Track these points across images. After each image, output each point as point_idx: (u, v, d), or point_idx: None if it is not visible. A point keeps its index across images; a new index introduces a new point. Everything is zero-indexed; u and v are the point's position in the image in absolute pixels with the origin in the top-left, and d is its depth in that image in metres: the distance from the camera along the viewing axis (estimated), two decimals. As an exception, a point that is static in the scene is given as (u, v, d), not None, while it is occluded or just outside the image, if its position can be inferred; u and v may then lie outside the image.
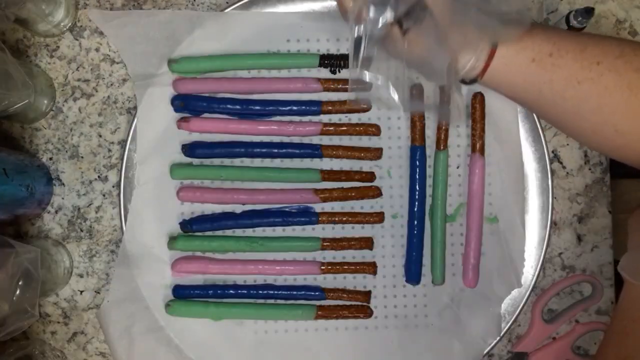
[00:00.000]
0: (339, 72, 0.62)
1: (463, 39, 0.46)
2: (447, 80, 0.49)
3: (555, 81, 0.46)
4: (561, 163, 0.64)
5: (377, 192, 0.62)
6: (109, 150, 0.63)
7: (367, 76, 0.48)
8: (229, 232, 0.62)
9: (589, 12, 0.57)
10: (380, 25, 0.45)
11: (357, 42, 0.46)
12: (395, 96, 0.50)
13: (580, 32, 0.48)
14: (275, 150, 0.61)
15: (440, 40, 0.46)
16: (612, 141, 0.47)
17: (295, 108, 0.61)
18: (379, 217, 0.62)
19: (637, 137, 0.46)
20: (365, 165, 0.62)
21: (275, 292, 0.62)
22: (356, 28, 0.46)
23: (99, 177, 0.63)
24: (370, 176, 0.62)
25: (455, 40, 0.46)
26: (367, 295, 0.62)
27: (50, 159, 0.63)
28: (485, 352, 0.62)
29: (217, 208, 0.62)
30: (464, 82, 0.52)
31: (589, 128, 0.48)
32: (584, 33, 0.48)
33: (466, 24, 0.46)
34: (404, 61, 0.49)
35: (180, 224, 0.62)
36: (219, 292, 0.61)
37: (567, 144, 0.64)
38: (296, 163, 0.62)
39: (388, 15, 0.45)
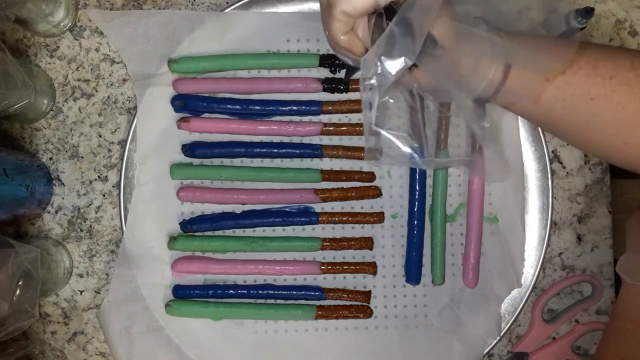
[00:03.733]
0: (339, 72, 0.62)
1: (474, 62, 0.45)
2: (467, 115, 0.47)
3: (567, 99, 0.46)
4: (561, 163, 0.64)
5: (377, 192, 0.62)
6: (109, 150, 0.63)
7: (383, 132, 0.46)
8: (229, 232, 0.62)
9: (589, 12, 0.56)
10: (393, 75, 0.42)
11: (367, 91, 0.44)
12: (414, 150, 0.48)
13: (588, 43, 0.47)
14: (275, 150, 0.61)
15: (450, 72, 0.45)
16: (620, 152, 0.47)
17: (295, 108, 0.61)
18: (379, 217, 0.62)
19: None
20: (365, 165, 0.62)
21: (275, 292, 0.62)
22: (367, 82, 0.43)
23: (99, 177, 0.63)
24: (370, 176, 0.62)
25: (466, 65, 0.45)
26: (367, 295, 0.62)
27: (50, 159, 0.63)
28: (485, 352, 0.62)
29: (217, 208, 0.62)
30: (477, 100, 0.52)
31: (597, 140, 0.48)
32: (592, 44, 0.47)
33: (477, 46, 0.45)
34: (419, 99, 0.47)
35: (180, 224, 0.62)
36: (219, 292, 0.61)
37: (567, 144, 0.64)
38: (296, 163, 0.62)
39: (400, 64, 0.42)
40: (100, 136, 0.63)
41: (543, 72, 0.45)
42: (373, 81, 0.43)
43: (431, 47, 0.44)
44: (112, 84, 0.63)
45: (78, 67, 0.63)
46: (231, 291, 0.61)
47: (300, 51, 0.62)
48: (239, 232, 0.62)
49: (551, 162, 0.63)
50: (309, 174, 0.62)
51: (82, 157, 0.63)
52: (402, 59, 0.42)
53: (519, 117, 0.61)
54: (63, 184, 0.63)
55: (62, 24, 0.62)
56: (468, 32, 0.44)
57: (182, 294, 0.61)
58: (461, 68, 0.45)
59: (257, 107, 0.61)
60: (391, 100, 0.47)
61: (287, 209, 0.62)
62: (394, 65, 0.42)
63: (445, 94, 0.48)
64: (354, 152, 0.61)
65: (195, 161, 0.62)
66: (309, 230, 0.63)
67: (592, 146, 0.50)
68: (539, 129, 0.62)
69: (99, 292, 0.63)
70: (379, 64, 0.42)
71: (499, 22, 0.47)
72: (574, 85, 0.45)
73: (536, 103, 0.47)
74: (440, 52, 0.44)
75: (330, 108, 0.61)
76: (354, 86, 0.61)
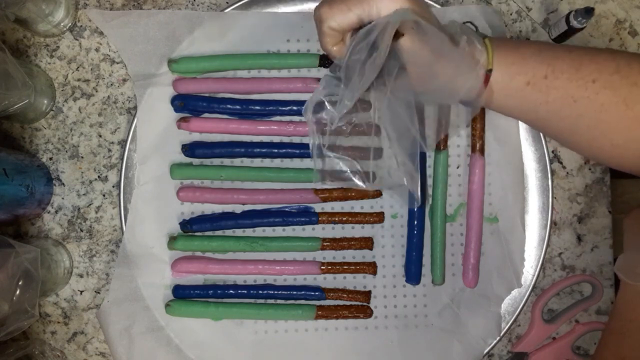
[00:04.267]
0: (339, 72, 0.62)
1: (456, 69, 0.46)
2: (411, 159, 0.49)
3: (550, 102, 0.46)
4: (561, 163, 0.64)
5: (377, 192, 0.62)
6: (109, 150, 0.63)
7: (332, 156, 0.49)
8: (229, 232, 0.62)
9: (589, 12, 0.57)
10: (339, 115, 0.46)
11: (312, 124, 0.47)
12: (358, 177, 0.51)
13: (574, 47, 0.48)
14: (275, 150, 0.61)
15: (428, 83, 0.46)
16: (608, 152, 0.48)
17: (295, 108, 0.61)
18: (379, 217, 0.62)
19: (633, 147, 0.46)
20: (365, 165, 0.62)
21: (275, 292, 0.62)
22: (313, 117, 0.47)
23: (99, 177, 0.63)
24: (370, 176, 0.62)
25: (446, 74, 0.46)
26: (367, 295, 0.62)
27: (50, 159, 0.63)
28: (485, 352, 0.62)
29: (217, 208, 0.62)
30: (461, 103, 0.52)
31: (585, 142, 0.48)
32: (578, 48, 0.48)
33: (457, 55, 0.45)
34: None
35: (180, 224, 0.62)
36: (219, 292, 0.61)
37: (567, 144, 0.64)
38: (296, 163, 0.62)
39: (346, 104, 0.45)
40: (100, 136, 0.63)
41: (524, 77, 0.46)
42: (321, 115, 0.47)
43: (394, 69, 0.46)
44: (112, 84, 0.63)
45: (78, 67, 0.63)
46: (231, 291, 0.61)
47: (300, 51, 0.62)
48: (239, 232, 0.62)
49: (551, 162, 0.63)
50: (309, 174, 0.62)
51: (82, 157, 0.63)
52: (345, 102, 0.46)
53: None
54: (63, 184, 0.63)
55: (62, 24, 0.62)
56: (446, 43, 0.45)
57: (182, 294, 0.61)
58: (441, 77, 0.46)
59: (257, 107, 0.61)
60: (342, 127, 0.50)
61: (287, 209, 0.62)
62: (338, 109, 0.46)
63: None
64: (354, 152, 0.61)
65: (195, 161, 0.62)
66: (309, 230, 0.63)
67: (581, 148, 0.50)
68: (539, 129, 0.62)
69: (99, 292, 0.63)
70: (326, 103, 0.46)
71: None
72: (556, 89, 0.46)
73: (520, 106, 0.48)
74: (403, 72, 0.46)
75: (330, 108, 0.61)
76: None
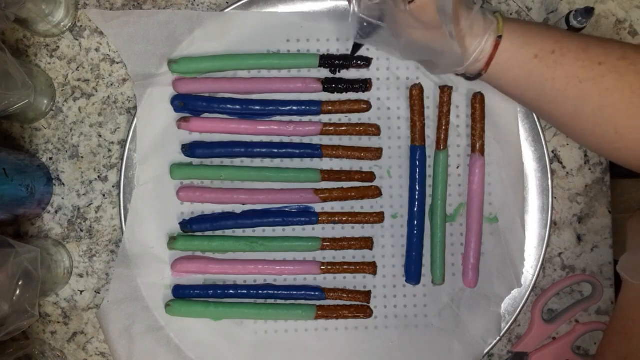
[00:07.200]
0: (339, 72, 0.62)
1: (469, 29, 0.47)
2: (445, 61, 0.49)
3: (557, 79, 0.47)
4: (561, 163, 0.64)
5: (377, 192, 0.62)
6: (109, 150, 0.63)
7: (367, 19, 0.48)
8: (229, 232, 0.62)
9: (589, 12, 0.57)
10: None
11: None
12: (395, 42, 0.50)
13: (582, 33, 0.49)
14: (275, 150, 0.61)
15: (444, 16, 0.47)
16: (612, 143, 0.48)
17: (295, 108, 0.61)
18: (379, 217, 0.62)
19: (637, 138, 0.46)
20: (365, 165, 0.62)
21: (275, 292, 0.62)
22: None
23: (99, 177, 0.63)
24: (370, 176, 0.62)
25: (460, 32, 0.47)
26: (367, 295, 0.62)
27: (50, 159, 0.63)
28: (485, 352, 0.62)
29: (217, 208, 0.62)
30: (467, 77, 0.52)
31: (588, 129, 0.48)
32: (586, 34, 0.49)
33: (472, 15, 0.47)
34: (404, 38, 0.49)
35: (180, 224, 0.62)
36: (219, 292, 0.61)
37: (567, 144, 0.64)
38: (296, 163, 0.62)
39: None
40: (100, 136, 0.63)
41: (532, 48, 0.47)
42: None
43: None
44: (112, 84, 0.63)
45: (78, 67, 0.63)
46: (231, 291, 0.61)
47: (300, 51, 0.62)
48: (239, 232, 0.62)
49: (551, 162, 0.63)
50: (309, 174, 0.62)
51: (82, 157, 0.63)
52: None
53: (519, 117, 0.61)
54: (63, 184, 0.63)
55: (62, 24, 0.62)
56: (466, 3, 0.47)
57: (182, 294, 0.61)
58: (457, 27, 0.47)
59: (257, 107, 0.61)
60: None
61: (287, 209, 0.62)
62: None
63: (428, 51, 0.50)
64: (354, 152, 0.61)
65: (195, 161, 0.62)
66: (309, 230, 0.63)
67: (585, 136, 0.50)
68: (539, 128, 0.62)
69: (99, 292, 0.63)
70: None
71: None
72: (562, 66, 0.47)
73: (527, 80, 0.48)
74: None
75: (330, 108, 0.61)
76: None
